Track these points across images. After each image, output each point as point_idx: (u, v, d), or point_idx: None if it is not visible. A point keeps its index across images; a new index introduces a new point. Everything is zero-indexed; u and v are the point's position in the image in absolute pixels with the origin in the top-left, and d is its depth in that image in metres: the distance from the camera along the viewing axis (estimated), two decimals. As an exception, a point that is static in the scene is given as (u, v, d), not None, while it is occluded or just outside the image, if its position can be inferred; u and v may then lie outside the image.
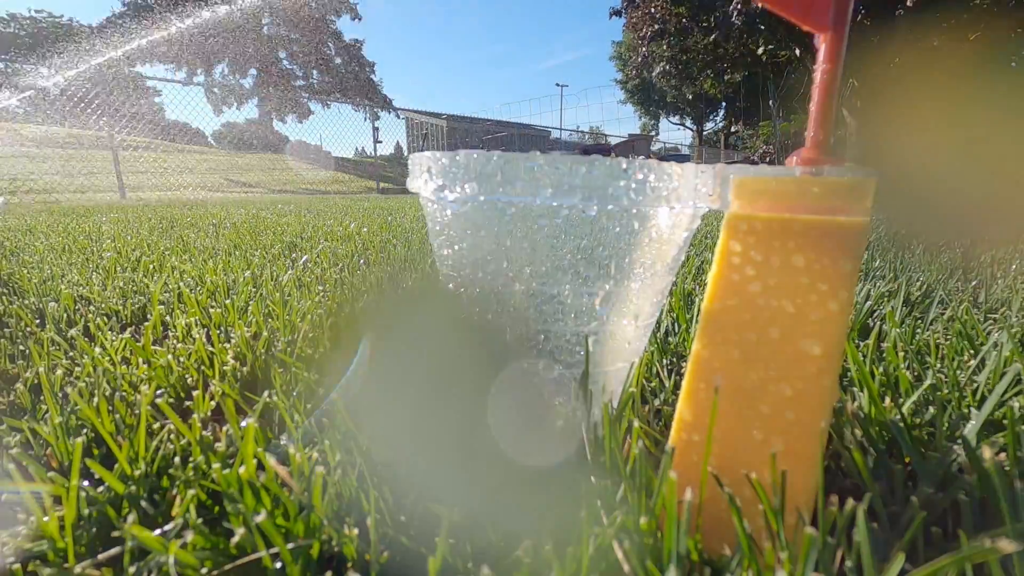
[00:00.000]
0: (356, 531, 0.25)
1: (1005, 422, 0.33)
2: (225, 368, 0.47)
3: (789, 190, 0.24)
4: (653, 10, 10.53)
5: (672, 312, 0.60)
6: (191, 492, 0.26)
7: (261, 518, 0.21)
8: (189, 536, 0.24)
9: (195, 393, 0.41)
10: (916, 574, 0.18)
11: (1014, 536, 0.18)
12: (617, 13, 13.06)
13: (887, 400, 0.36)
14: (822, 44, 0.25)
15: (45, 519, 0.26)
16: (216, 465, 0.25)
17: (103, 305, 0.72)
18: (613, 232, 0.28)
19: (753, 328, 0.24)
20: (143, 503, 0.29)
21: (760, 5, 0.26)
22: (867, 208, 0.23)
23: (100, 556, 0.25)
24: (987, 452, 0.24)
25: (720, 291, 0.25)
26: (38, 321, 0.66)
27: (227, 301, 0.70)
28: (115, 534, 0.27)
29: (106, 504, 0.28)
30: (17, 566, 0.25)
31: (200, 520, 0.26)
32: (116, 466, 0.30)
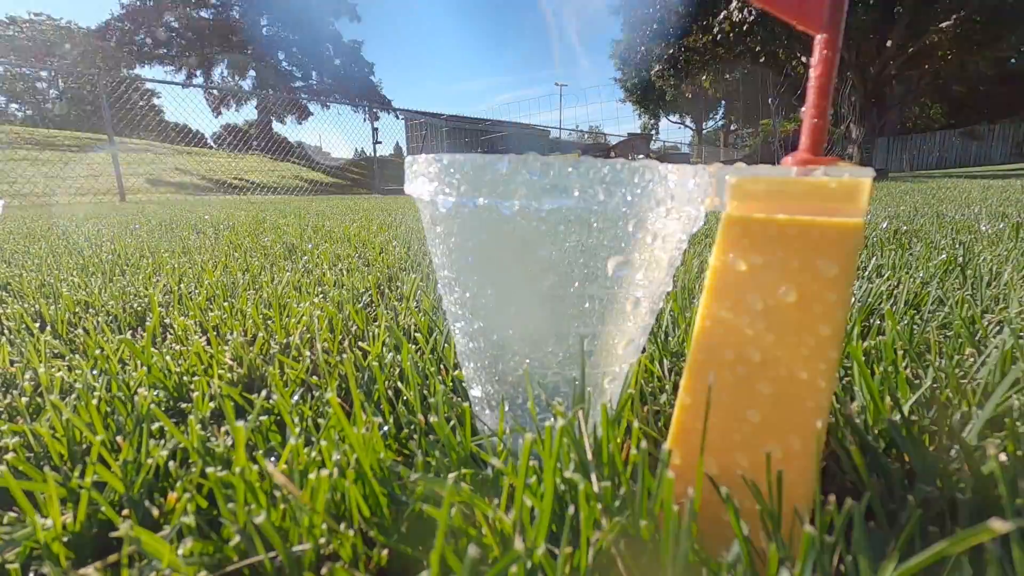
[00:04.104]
0: (352, 531, 0.25)
1: (1006, 420, 0.33)
2: (222, 370, 0.47)
3: (785, 191, 0.24)
4: (652, 10, 10.55)
5: (671, 312, 0.60)
6: (187, 495, 0.26)
7: (260, 519, 0.21)
8: (188, 542, 0.24)
9: (195, 395, 0.41)
10: (912, 563, 0.18)
11: (1016, 535, 0.18)
12: (616, 11, 13.07)
13: (887, 399, 0.36)
14: (817, 44, 0.25)
15: (42, 520, 0.26)
16: (210, 469, 0.25)
17: (102, 308, 0.72)
18: (610, 234, 0.28)
19: (750, 330, 0.24)
20: (142, 504, 0.29)
21: (756, 6, 0.26)
22: (863, 208, 0.23)
23: (98, 563, 0.25)
24: (991, 448, 0.24)
25: (717, 292, 0.25)
26: (37, 324, 0.66)
27: (226, 303, 0.70)
28: (113, 534, 0.27)
29: (107, 505, 0.28)
30: (16, 565, 0.25)
31: (200, 521, 0.26)
32: (115, 467, 0.30)
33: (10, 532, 0.26)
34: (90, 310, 0.72)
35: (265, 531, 0.22)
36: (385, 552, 0.26)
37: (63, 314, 0.66)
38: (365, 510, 0.26)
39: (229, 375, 0.46)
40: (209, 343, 0.56)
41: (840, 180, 0.23)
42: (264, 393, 0.40)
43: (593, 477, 0.25)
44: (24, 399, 0.42)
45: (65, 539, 0.26)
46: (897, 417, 0.33)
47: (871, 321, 0.59)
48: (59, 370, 0.48)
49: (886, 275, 0.78)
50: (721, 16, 8.78)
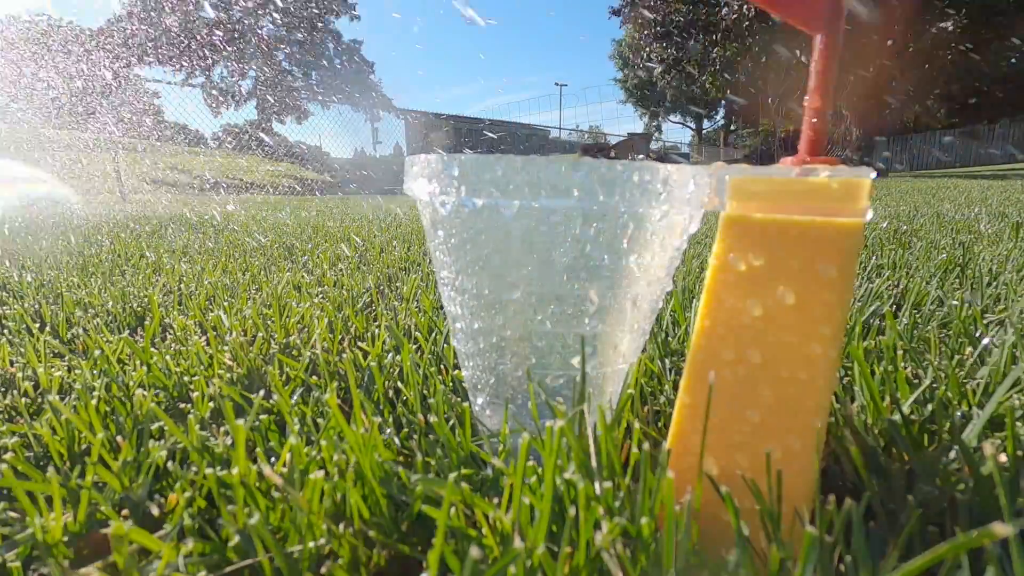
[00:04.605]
0: (350, 530, 0.25)
1: (1005, 420, 0.33)
2: (222, 371, 0.47)
3: (784, 191, 0.24)
4: (652, 5, 10.56)
5: (671, 312, 0.60)
6: (187, 495, 0.26)
7: (254, 520, 0.21)
8: (189, 543, 0.24)
9: (194, 395, 0.41)
10: (912, 564, 0.18)
11: (1015, 537, 0.18)
12: (616, 12, 13.08)
13: (887, 399, 0.36)
14: (816, 44, 0.25)
15: (41, 520, 0.26)
16: (208, 471, 0.25)
17: (101, 308, 0.72)
18: (609, 234, 0.28)
19: (750, 330, 0.24)
20: (141, 505, 0.29)
21: (755, 6, 0.26)
22: (863, 209, 0.23)
23: (99, 562, 0.25)
24: (988, 448, 0.24)
25: (717, 292, 0.25)
26: (37, 324, 0.66)
27: (226, 303, 0.70)
28: (106, 531, 0.27)
29: (107, 505, 0.28)
30: (17, 564, 0.25)
31: (200, 521, 0.26)
32: (114, 467, 0.30)
33: (11, 532, 0.26)
34: (90, 310, 0.72)
35: (259, 532, 0.22)
36: (385, 552, 0.26)
37: (63, 314, 0.66)
38: (365, 512, 0.26)
39: (228, 375, 0.46)
40: (209, 343, 0.56)
41: (840, 180, 0.23)
42: (263, 393, 0.40)
43: (595, 478, 0.25)
44: (24, 399, 0.42)
45: (65, 539, 0.26)
46: (897, 417, 0.33)
47: (871, 321, 0.59)
48: (59, 370, 0.48)
49: (886, 275, 0.78)
50: (723, 12, 8.80)
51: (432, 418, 0.33)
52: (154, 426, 0.36)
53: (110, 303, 0.73)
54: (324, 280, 0.88)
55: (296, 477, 0.27)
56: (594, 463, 0.26)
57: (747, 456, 0.24)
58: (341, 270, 0.99)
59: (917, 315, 0.58)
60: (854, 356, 0.38)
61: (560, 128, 16.55)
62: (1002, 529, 0.17)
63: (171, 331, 0.61)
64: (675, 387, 0.42)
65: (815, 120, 0.25)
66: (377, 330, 0.57)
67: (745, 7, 8.52)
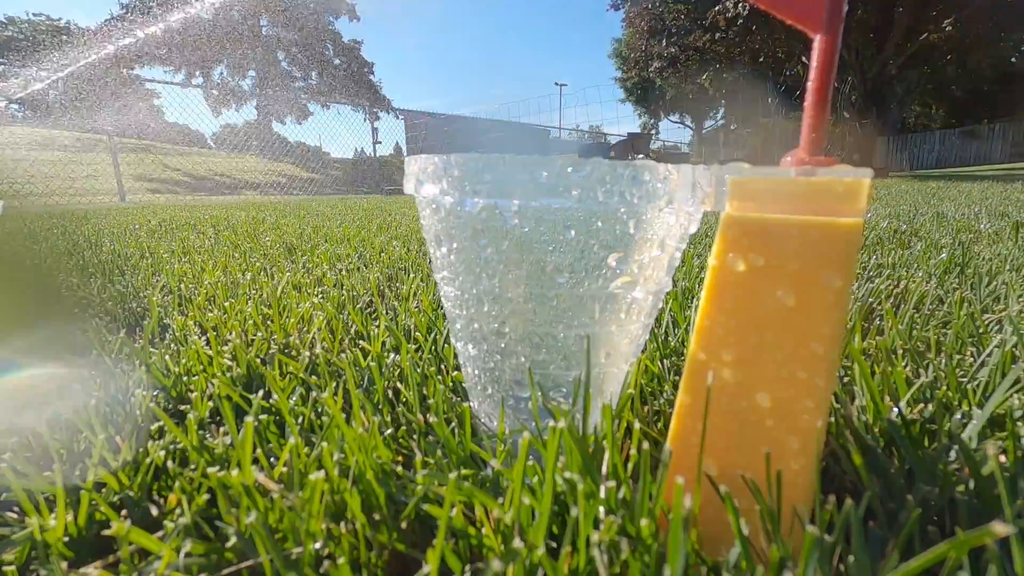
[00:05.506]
0: (350, 530, 0.25)
1: (1005, 420, 0.33)
2: (221, 371, 0.47)
3: (784, 191, 0.24)
4: (651, 5, 10.59)
5: (671, 312, 0.60)
6: (185, 495, 0.26)
7: (251, 519, 0.21)
8: (188, 544, 0.24)
9: (193, 395, 0.41)
10: (913, 564, 0.18)
11: (1016, 536, 0.18)
12: (616, 7, 13.12)
13: (887, 399, 0.36)
14: (816, 45, 0.25)
15: (39, 520, 0.26)
16: (212, 470, 0.25)
17: (101, 308, 0.72)
18: (609, 233, 0.28)
19: (749, 330, 0.24)
20: (141, 505, 0.29)
21: (755, 5, 0.26)
22: (862, 209, 0.23)
23: (98, 562, 0.25)
24: (991, 448, 0.24)
25: (716, 292, 0.25)
26: (37, 324, 0.66)
27: (226, 304, 0.70)
28: (107, 532, 0.27)
29: (106, 505, 0.28)
30: (13, 568, 0.25)
31: (199, 521, 0.26)
32: (114, 467, 0.30)
33: (10, 533, 0.26)
34: (89, 310, 0.72)
35: (257, 532, 0.22)
36: (386, 552, 0.26)
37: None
38: (360, 516, 0.26)
39: (228, 375, 0.46)
40: (209, 343, 0.55)
41: (839, 180, 0.23)
42: (262, 393, 0.40)
43: (596, 478, 0.25)
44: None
45: (65, 539, 0.26)
46: (896, 416, 0.33)
47: (871, 321, 0.59)
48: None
49: (886, 274, 0.78)
50: (716, 8, 8.82)
51: (432, 418, 0.33)
52: (153, 426, 0.36)
53: (110, 303, 0.73)
54: (324, 280, 0.88)
55: (296, 478, 0.27)
56: (595, 463, 0.26)
57: (747, 456, 0.24)
58: (341, 270, 0.98)
59: (916, 315, 0.58)
60: (854, 356, 0.38)
61: (560, 128, 16.52)
62: (1002, 528, 0.17)
63: (171, 331, 0.61)
64: (675, 387, 0.42)
65: (814, 119, 0.25)
66: (377, 330, 0.57)
67: (742, 6, 8.54)
